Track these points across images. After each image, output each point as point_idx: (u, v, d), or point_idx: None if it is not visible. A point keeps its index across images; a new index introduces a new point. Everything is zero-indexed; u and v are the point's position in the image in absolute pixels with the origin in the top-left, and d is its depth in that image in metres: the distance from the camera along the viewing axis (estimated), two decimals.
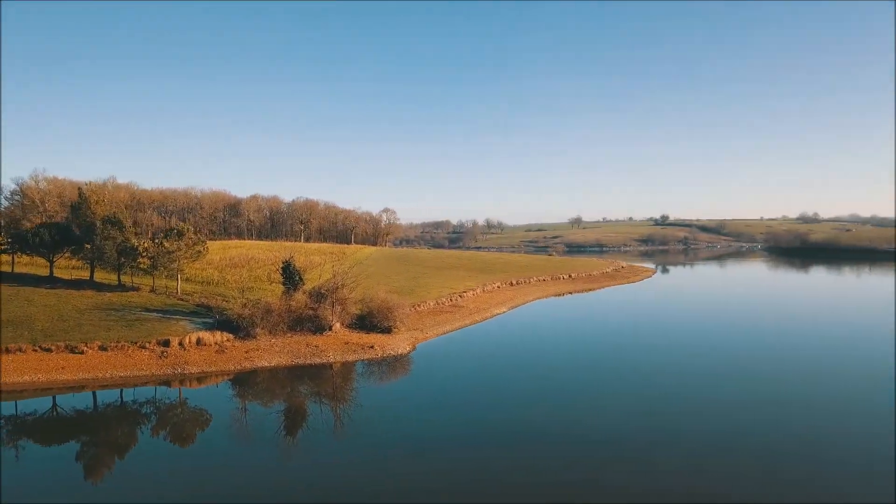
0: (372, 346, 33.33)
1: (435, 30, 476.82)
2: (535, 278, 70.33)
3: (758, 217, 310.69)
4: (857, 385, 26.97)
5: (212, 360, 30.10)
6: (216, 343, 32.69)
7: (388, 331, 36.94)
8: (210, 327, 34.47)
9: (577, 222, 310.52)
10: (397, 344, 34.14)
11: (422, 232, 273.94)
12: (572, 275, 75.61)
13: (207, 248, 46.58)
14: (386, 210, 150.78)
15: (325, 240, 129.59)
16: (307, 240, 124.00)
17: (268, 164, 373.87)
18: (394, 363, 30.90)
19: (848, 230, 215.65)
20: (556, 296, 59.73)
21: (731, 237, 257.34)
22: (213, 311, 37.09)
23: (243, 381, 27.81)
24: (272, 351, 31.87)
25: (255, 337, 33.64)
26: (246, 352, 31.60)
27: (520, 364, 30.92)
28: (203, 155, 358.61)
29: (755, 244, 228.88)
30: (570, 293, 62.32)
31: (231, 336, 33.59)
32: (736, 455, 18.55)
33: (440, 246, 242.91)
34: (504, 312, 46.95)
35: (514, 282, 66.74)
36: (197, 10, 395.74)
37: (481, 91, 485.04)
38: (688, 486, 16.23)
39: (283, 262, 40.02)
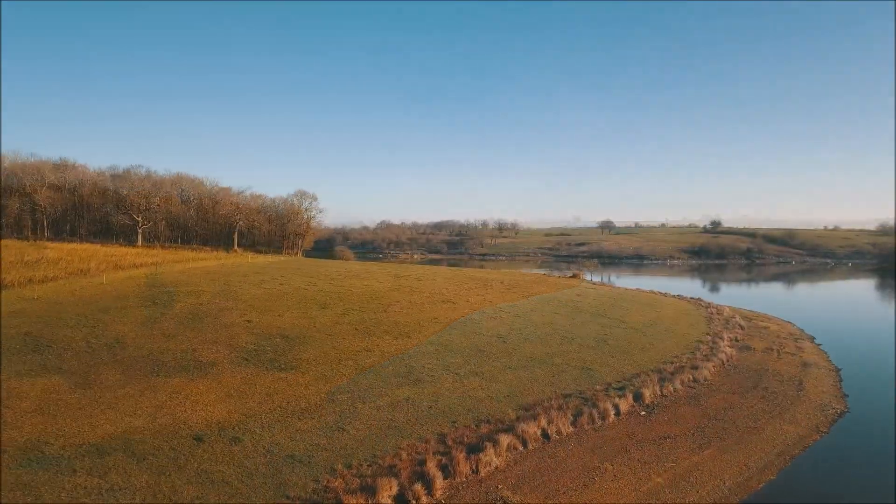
0: None
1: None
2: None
3: (820, 226, 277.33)
4: None
5: None
6: None
7: None
8: None
9: (607, 226, 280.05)
10: None
11: (420, 234, 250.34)
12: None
13: None
14: (301, 193, 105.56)
15: (180, 240, 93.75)
16: (149, 240, 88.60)
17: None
18: None
19: None
20: None
21: (805, 251, 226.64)
22: None
23: None
24: None
25: None
26: None
27: None
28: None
29: (837, 259, 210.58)
30: None
31: None
32: None
33: (436, 251, 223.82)
34: None
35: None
36: None
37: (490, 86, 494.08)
38: None
39: None
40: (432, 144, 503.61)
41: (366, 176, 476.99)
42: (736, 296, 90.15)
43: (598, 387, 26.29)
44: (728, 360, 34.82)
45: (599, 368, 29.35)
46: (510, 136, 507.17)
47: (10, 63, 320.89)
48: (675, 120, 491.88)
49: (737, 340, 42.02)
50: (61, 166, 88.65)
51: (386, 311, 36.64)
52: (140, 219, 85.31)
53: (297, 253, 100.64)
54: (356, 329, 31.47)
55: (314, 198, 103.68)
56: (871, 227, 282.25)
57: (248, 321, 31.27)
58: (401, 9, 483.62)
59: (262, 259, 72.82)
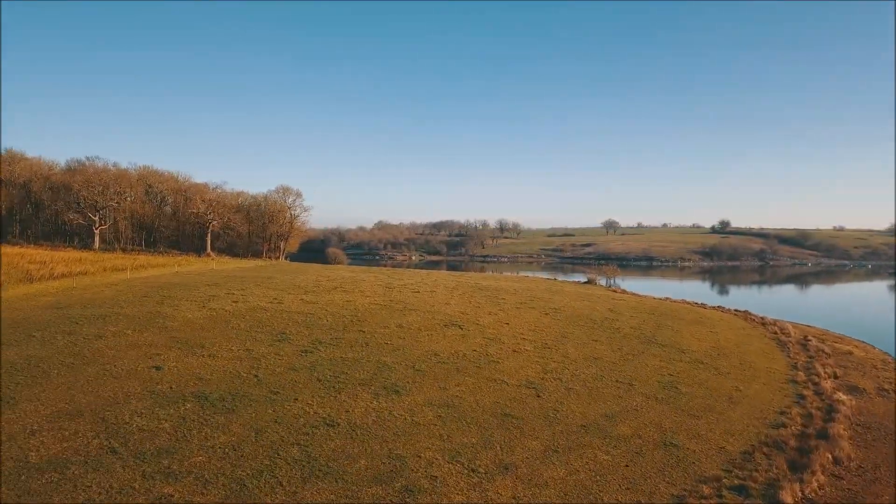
0: None
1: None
2: None
3: (815, 227, 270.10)
4: None
5: None
6: None
7: None
8: None
9: (611, 226, 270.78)
10: None
11: (419, 234, 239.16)
12: None
13: None
14: (284, 189, 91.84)
15: (144, 243, 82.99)
16: (108, 243, 76.87)
17: None
18: None
19: None
20: None
21: (821, 252, 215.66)
22: None
23: None
24: None
25: None
26: None
27: None
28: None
29: (854, 261, 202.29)
30: None
31: None
32: None
33: (436, 252, 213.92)
34: None
35: None
36: None
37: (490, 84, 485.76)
38: None
39: None
40: (433, 144, 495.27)
41: (364, 176, 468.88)
42: (773, 304, 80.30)
43: (704, 488, 16.09)
44: (853, 416, 24.67)
45: (688, 443, 19.18)
46: (510, 136, 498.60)
47: (8, 63, 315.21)
48: (675, 120, 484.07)
49: (836, 377, 31.88)
50: (7, 158, 78.21)
51: (368, 345, 26.41)
52: (97, 218, 74.91)
53: (279, 257, 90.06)
54: (319, 379, 21.21)
55: (299, 194, 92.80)
56: (879, 227, 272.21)
57: (158, 367, 21.04)
58: (401, 9, 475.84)
59: (232, 265, 62.69)
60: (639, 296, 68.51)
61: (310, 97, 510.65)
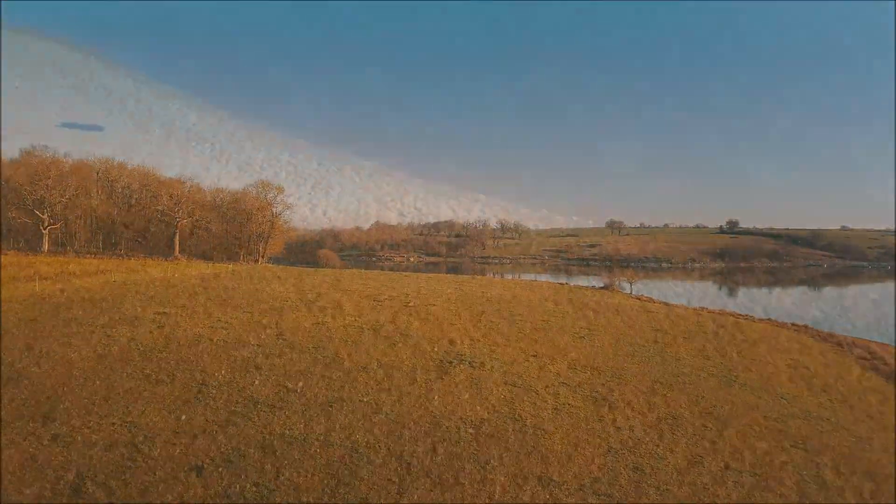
0: None
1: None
2: None
3: (836, 226, 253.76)
4: None
5: None
6: None
7: None
8: None
9: (614, 226, 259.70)
10: None
11: (417, 234, 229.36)
12: None
13: None
14: (263, 184, 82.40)
15: (102, 244, 73.39)
16: (62, 244, 68.20)
17: None
18: None
19: None
20: None
21: (835, 253, 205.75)
22: None
23: None
24: None
25: None
26: None
27: None
28: None
29: (871, 262, 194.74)
30: None
31: None
32: None
33: (435, 254, 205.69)
34: None
35: None
36: None
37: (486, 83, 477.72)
38: None
39: None
40: (432, 143, 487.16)
41: (362, 176, 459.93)
42: (819, 314, 71.08)
43: None
44: None
45: None
46: (510, 136, 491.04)
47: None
48: (675, 120, 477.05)
49: None
50: None
51: (330, 407, 16.94)
52: (45, 217, 65.35)
53: (257, 260, 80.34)
54: (226, 499, 11.71)
55: (280, 190, 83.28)
56: (879, 227, 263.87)
57: None
58: (400, 9, 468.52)
59: (195, 271, 53.28)
60: (669, 305, 59.29)
61: (310, 97, 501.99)
